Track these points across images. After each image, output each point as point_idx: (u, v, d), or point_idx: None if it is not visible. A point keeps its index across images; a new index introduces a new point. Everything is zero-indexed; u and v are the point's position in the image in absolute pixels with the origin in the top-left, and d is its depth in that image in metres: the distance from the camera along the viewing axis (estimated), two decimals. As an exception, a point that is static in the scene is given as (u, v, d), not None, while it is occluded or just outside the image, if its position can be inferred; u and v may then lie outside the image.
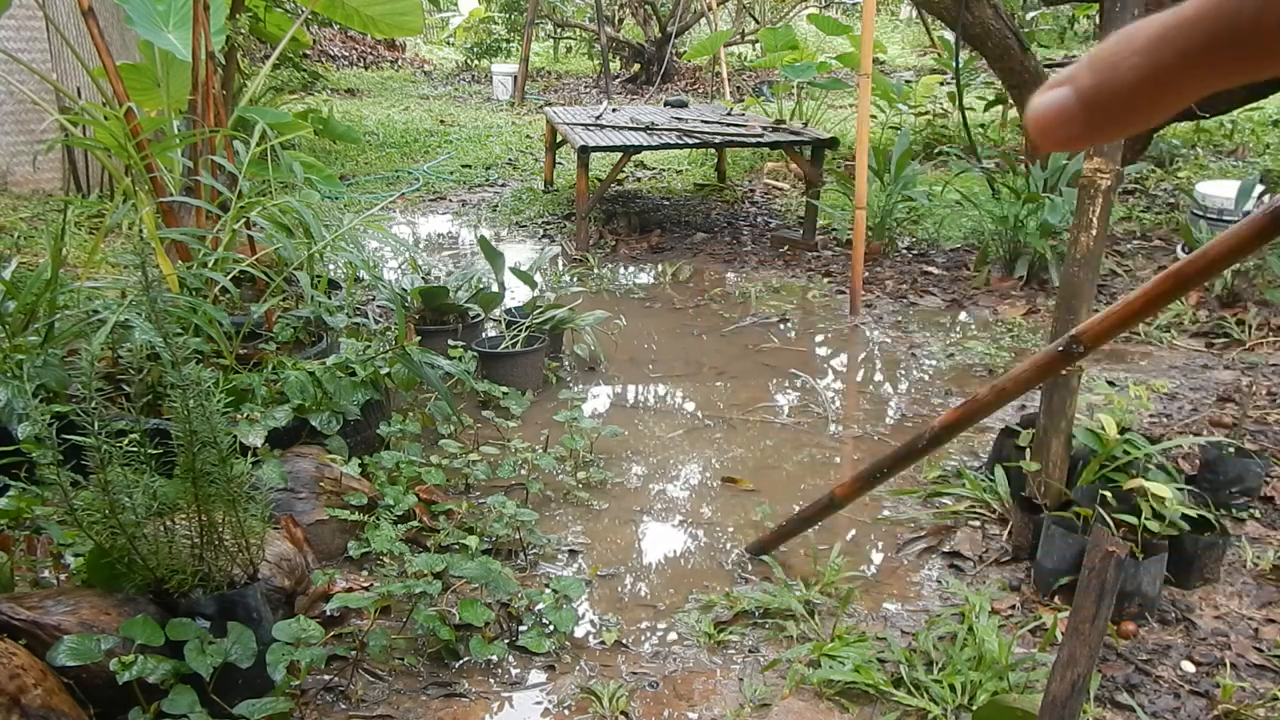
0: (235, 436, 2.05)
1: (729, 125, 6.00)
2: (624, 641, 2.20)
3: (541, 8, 12.40)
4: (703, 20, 12.72)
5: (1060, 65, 8.92)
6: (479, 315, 3.79)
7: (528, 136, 9.11)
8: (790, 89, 8.61)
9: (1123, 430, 2.61)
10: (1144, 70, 0.26)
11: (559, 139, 6.73)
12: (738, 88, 11.39)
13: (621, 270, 5.17)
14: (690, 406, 3.53)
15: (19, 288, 2.86)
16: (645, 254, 5.47)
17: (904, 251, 5.41)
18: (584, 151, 5.25)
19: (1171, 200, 6.04)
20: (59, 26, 4.94)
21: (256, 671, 1.84)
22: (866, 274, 4.81)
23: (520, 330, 3.65)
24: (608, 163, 6.44)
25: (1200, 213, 4.62)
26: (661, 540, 2.66)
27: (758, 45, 11.78)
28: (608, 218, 6.07)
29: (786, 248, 5.52)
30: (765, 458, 3.12)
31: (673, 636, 2.23)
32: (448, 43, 16.40)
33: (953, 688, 1.98)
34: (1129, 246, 5.20)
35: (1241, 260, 3.28)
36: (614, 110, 6.71)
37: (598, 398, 3.59)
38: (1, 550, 2.00)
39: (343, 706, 1.97)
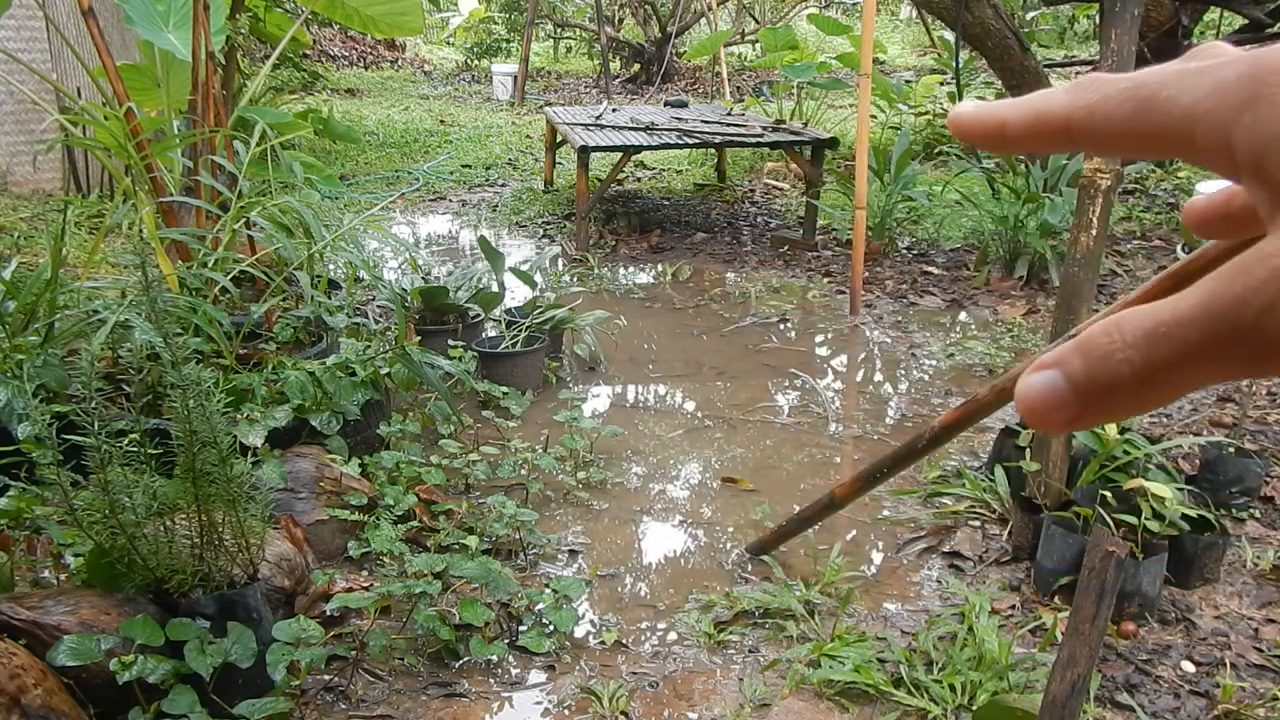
0: (235, 436, 2.05)
1: (729, 125, 6.00)
2: (624, 641, 2.20)
3: (541, 8, 12.40)
4: (703, 20, 12.72)
5: (1060, 65, 8.92)
6: (479, 315, 3.79)
7: (528, 136, 9.11)
8: (790, 89, 8.61)
9: (1123, 430, 2.61)
10: (1139, 366, 0.25)
11: (559, 139, 6.73)
12: (738, 88, 11.39)
13: (621, 270, 5.17)
14: (690, 406, 3.53)
15: (19, 288, 2.86)
16: (645, 254, 5.47)
17: (904, 251, 5.41)
18: (584, 151, 5.25)
19: (1171, 200, 6.04)
20: (59, 26, 4.94)
21: (256, 671, 1.84)
22: (866, 274, 4.81)
23: (520, 330, 3.65)
24: (608, 163, 6.44)
25: (1200, 213, 4.61)
26: (661, 540, 2.66)
27: (758, 45, 11.78)
28: (608, 218, 6.07)
29: (786, 248, 5.52)
30: (765, 458, 3.12)
31: (673, 636, 2.23)
32: (448, 43, 16.40)
33: (953, 688, 1.98)
34: (1129, 246, 5.20)
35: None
36: (614, 110, 6.72)
37: (598, 398, 3.59)
38: (1, 550, 2.00)
39: (343, 706, 1.97)
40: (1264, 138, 0.24)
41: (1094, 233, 2.32)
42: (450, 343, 3.32)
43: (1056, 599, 2.31)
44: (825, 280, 5.00)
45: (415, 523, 2.55)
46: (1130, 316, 0.26)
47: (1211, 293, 0.24)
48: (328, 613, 2.19)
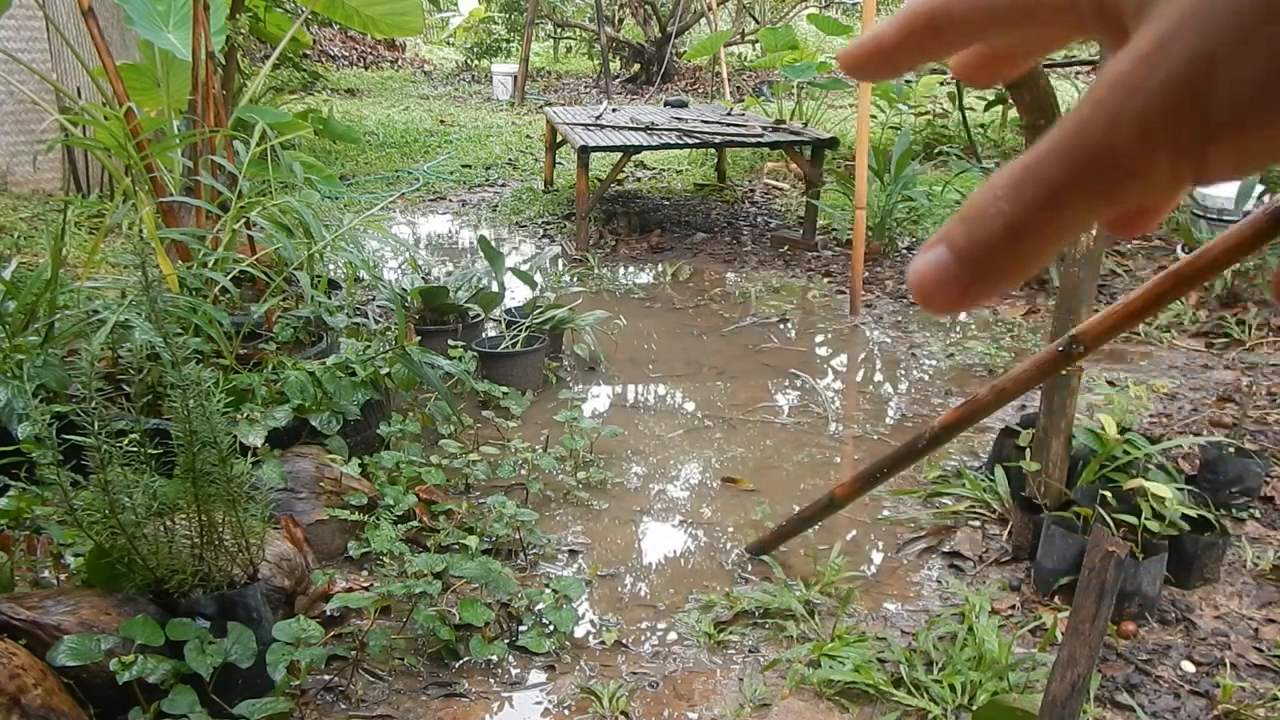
0: (235, 436, 2.05)
1: (729, 125, 6.00)
2: (624, 641, 2.20)
3: (541, 8, 12.40)
4: (703, 20, 12.72)
5: (1060, 65, 8.92)
6: (479, 315, 3.79)
7: (528, 136, 9.11)
8: (790, 89, 8.61)
9: (1123, 430, 2.61)
10: (1011, 216, 0.25)
11: (559, 139, 6.73)
12: (738, 88, 11.39)
13: (621, 270, 5.17)
14: (690, 406, 3.53)
15: (19, 288, 2.86)
16: (645, 254, 5.47)
17: (904, 251, 5.41)
18: (584, 151, 5.25)
19: (1171, 200, 6.02)
20: (59, 26, 4.94)
21: (256, 671, 1.84)
22: (866, 274, 4.81)
23: (520, 330, 3.65)
24: (608, 163, 6.44)
25: (1200, 213, 4.62)
26: (661, 540, 2.66)
27: (758, 45, 11.78)
28: (608, 218, 6.07)
29: (786, 248, 5.52)
30: (765, 458, 3.12)
31: (673, 636, 2.23)
32: (448, 43, 16.40)
33: (953, 688, 1.98)
34: (1129, 246, 5.20)
35: (1241, 260, 3.28)
36: (614, 110, 6.71)
37: (598, 398, 3.59)
38: (1, 550, 2.00)
39: (343, 706, 1.97)
40: None
41: (1094, 233, 2.32)
42: (450, 343, 3.32)
43: (1056, 599, 2.31)
44: (825, 280, 5.00)
45: (415, 523, 2.55)
46: (1001, 170, 0.26)
47: (1063, 123, 0.24)
48: (328, 613, 2.19)
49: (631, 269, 5.22)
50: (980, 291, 0.26)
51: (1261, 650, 2.16)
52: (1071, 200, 0.24)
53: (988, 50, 0.32)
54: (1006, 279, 0.27)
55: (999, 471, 2.72)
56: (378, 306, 4.24)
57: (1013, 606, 2.32)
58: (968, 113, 6.18)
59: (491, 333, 3.81)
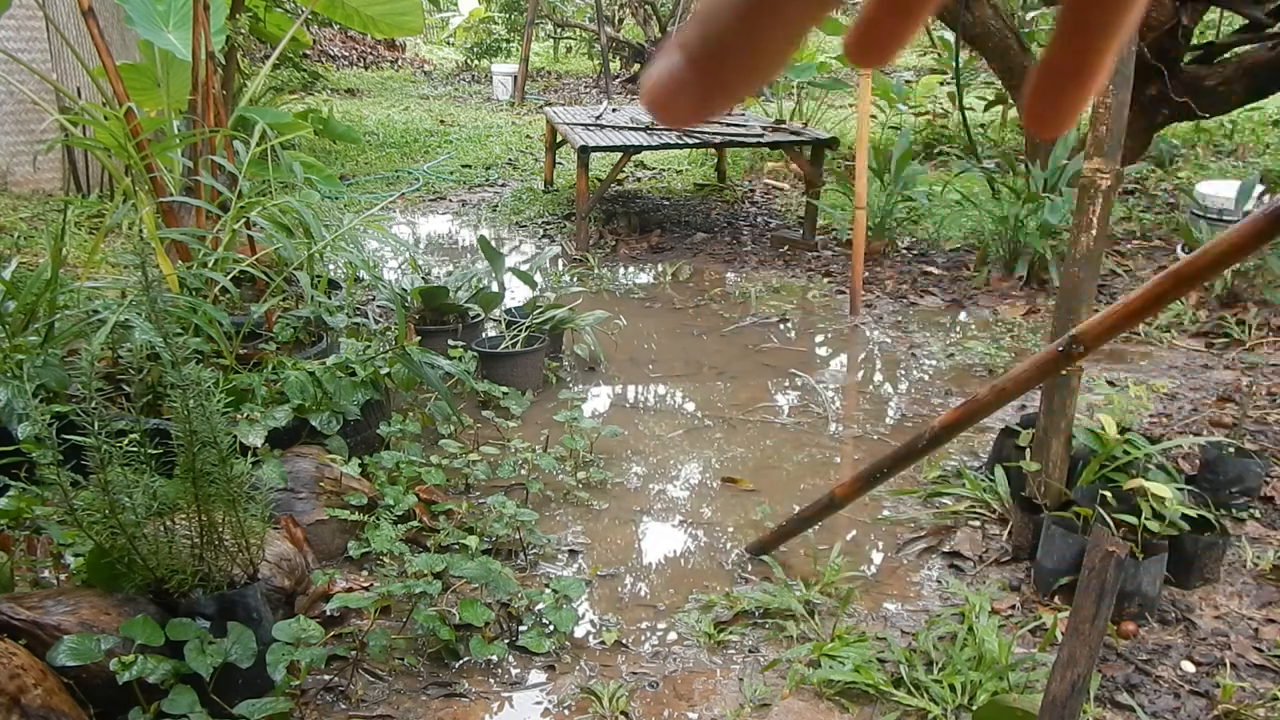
0: (235, 436, 2.05)
1: (729, 125, 6.00)
2: (624, 641, 2.20)
3: (541, 8, 12.40)
4: (703, 20, 12.70)
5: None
6: (479, 315, 3.79)
7: (528, 136, 9.11)
8: (790, 89, 8.61)
9: (1123, 430, 2.61)
10: (739, 4, 0.23)
11: (559, 139, 6.73)
12: (738, 88, 11.37)
13: (621, 270, 5.17)
14: (690, 406, 3.53)
15: (19, 288, 2.86)
16: (645, 254, 5.47)
17: (904, 251, 5.41)
18: (584, 151, 5.25)
19: (1171, 200, 6.04)
20: (59, 26, 4.94)
21: (256, 671, 1.84)
22: (866, 274, 4.81)
23: (520, 330, 3.65)
24: (608, 163, 6.44)
25: (1200, 213, 4.62)
26: (661, 540, 2.66)
27: (758, 45, 11.76)
28: (608, 218, 6.07)
29: (786, 248, 5.52)
30: (765, 458, 3.12)
31: (673, 636, 2.23)
32: (448, 43, 16.40)
33: (953, 688, 1.98)
34: (1129, 246, 5.20)
35: (1241, 260, 3.28)
36: (614, 110, 6.72)
37: (598, 398, 3.59)
38: (1, 550, 2.00)
39: (343, 706, 1.97)
40: None
41: (1094, 233, 2.32)
42: (450, 343, 3.32)
43: (1056, 599, 2.31)
44: (825, 280, 5.00)
45: (415, 523, 2.55)
46: None
47: None
48: (328, 613, 2.19)
49: (631, 269, 5.22)
50: (719, 96, 0.25)
51: (1261, 650, 2.16)
52: None
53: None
54: (743, 79, 0.25)
55: (999, 471, 2.72)
56: (378, 306, 4.24)
57: (1013, 606, 2.32)
58: (968, 113, 6.17)
59: (491, 333, 3.81)
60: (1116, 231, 5.40)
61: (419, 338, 3.36)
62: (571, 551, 2.58)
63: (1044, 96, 0.28)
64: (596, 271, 4.99)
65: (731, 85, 0.25)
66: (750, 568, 2.50)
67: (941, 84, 8.64)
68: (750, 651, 2.16)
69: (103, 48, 3.22)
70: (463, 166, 7.76)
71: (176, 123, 3.75)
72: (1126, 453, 2.50)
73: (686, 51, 0.24)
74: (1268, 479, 2.78)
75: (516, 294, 4.45)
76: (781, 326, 4.34)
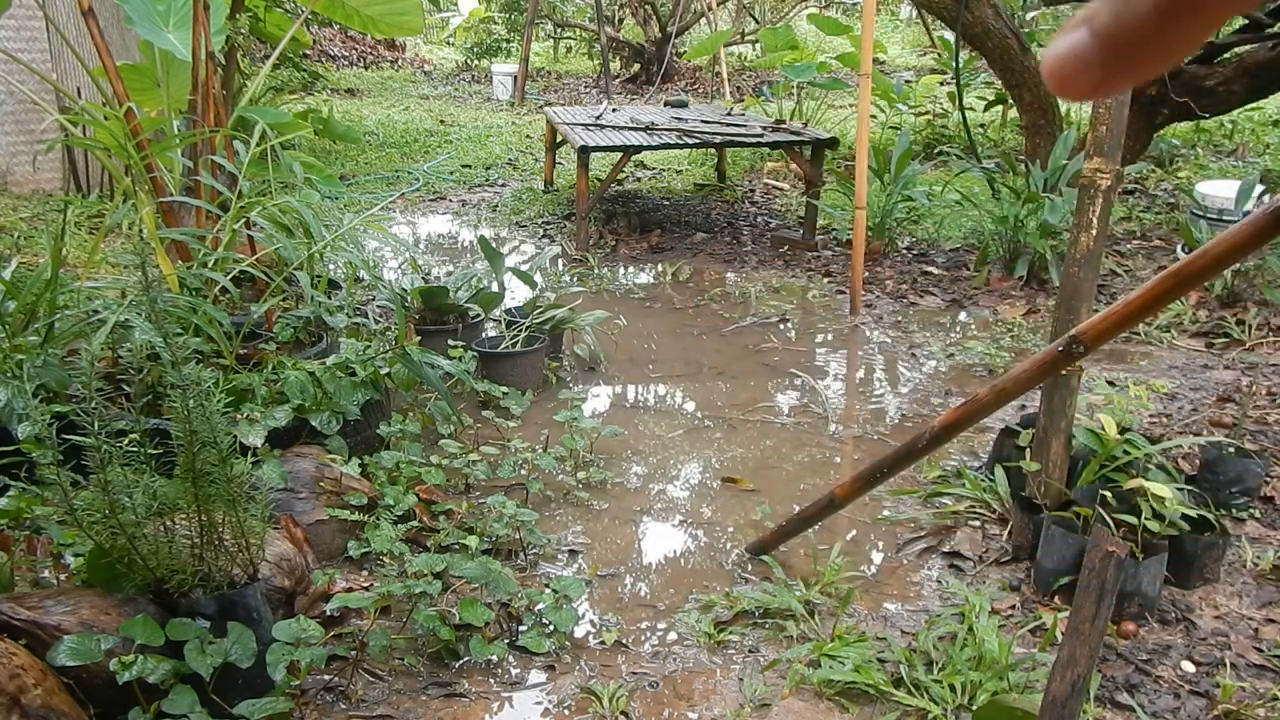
0: (235, 436, 2.05)
1: (729, 125, 6.00)
2: (624, 641, 2.20)
3: (541, 8, 12.40)
4: (703, 20, 12.72)
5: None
6: (479, 315, 3.79)
7: (528, 136, 9.11)
8: (790, 89, 8.61)
9: (1123, 430, 2.61)
10: None
11: (559, 139, 6.73)
12: (738, 88, 11.39)
13: (621, 270, 5.17)
14: (690, 406, 3.53)
15: (19, 288, 2.86)
16: (645, 254, 5.47)
17: (904, 251, 5.41)
18: (584, 151, 5.25)
19: (1171, 200, 6.04)
20: (59, 26, 4.94)
21: (256, 671, 1.84)
22: (866, 274, 4.81)
23: (520, 330, 3.65)
24: (608, 163, 6.44)
25: (1200, 213, 4.62)
26: (661, 540, 2.66)
27: (758, 45, 11.79)
28: (608, 218, 6.07)
29: (786, 248, 5.52)
30: (765, 458, 3.12)
31: (673, 636, 2.23)
32: (448, 43, 16.40)
33: (953, 688, 1.98)
34: (1129, 246, 5.20)
35: (1241, 260, 3.28)
36: (614, 110, 6.71)
37: (598, 398, 3.59)
38: (1, 550, 2.00)
39: (343, 706, 1.97)
40: None
41: (1094, 233, 2.32)
42: (450, 343, 3.32)
43: (1056, 599, 2.31)
44: (825, 280, 5.00)
45: (415, 523, 2.55)
46: None
47: None
48: (328, 613, 2.19)
49: (631, 269, 5.22)
50: (1120, 79, 0.25)
51: (1261, 650, 2.16)
52: None
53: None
54: (1147, 67, 0.25)
55: (999, 471, 2.72)
56: (378, 306, 4.24)
57: (1013, 606, 2.32)
58: (968, 113, 6.17)
59: (491, 333, 3.81)
60: (1116, 231, 5.40)
61: (419, 338, 3.36)
62: (571, 551, 2.58)
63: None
64: (596, 271, 4.99)
65: (1139, 69, 0.25)
66: (750, 568, 2.50)
67: (941, 84, 8.64)
68: (750, 651, 2.16)
69: (103, 48, 3.22)
70: (463, 166, 7.76)
71: (176, 123, 3.75)
72: (1126, 453, 2.50)
73: (1095, 31, 0.24)
74: (1268, 479, 2.78)
75: (516, 294, 4.45)
76: (781, 326, 4.34)
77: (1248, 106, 6.22)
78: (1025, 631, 2.21)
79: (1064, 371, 2.32)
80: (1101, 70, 0.25)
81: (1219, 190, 4.59)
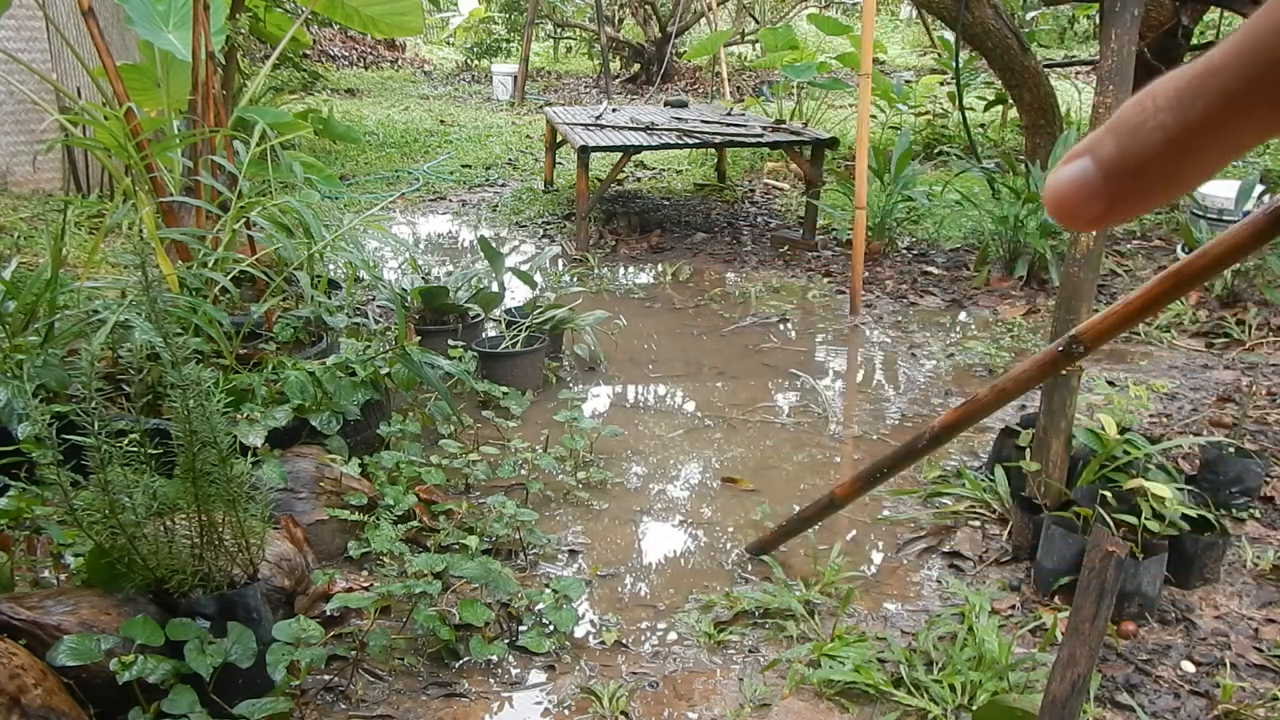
0: (235, 436, 2.05)
1: (729, 125, 6.00)
2: (624, 641, 2.20)
3: (541, 8, 12.39)
4: (703, 20, 12.72)
5: (1060, 65, 8.93)
6: (479, 315, 3.79)
7: (528, 136, 9.11)
8: (790, 89, 8.61)
9: (1123, 430, 2.61)
10: (1172, 130, 0.22)
11: (559, 139, 6.73)
12: (738, 88, 11.39)
13: (621, 270, 5.17)
14: (690, 406, 3.53)
15: (19, 288, 2.86)
16: (645, 254, 5.47)
17: (904, 251, 5.41)
18: (584, 151, 5.25)
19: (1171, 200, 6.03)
20: (59, 26, 4.94)
21: (256, 671, 1.84)
22: (866, 274, 4.81)
23: (520, 330, 3.65)
24: (608, 163, 6.44)
25: (1200, 213, 4.62)
26: (661, 540, 2.66)
27: (758, 45, 11.78)
28: (608, 218, 6.07)
29: (786, 248, 5.52)
30: (765, 458, 3.12)
31: (673, 636, 2.23)
32: (448, 43, 16.40)
33: (953, 688, 1.98)
34: (1129, 246, 5.20)
35: (1241, 260, 3.28)
36: (614, 110, 6.71)
37: (598, 398, 3.59)
38: (1, 550, 2.00)
39: (343, 706, 1.97)
40: None
41: (1094, 233, 2.32)
42: (450, 343, 3.32)
43: (1056, 599, 2.31)
44: (825, 280, 5.00)
45: (415, 523, 2.55)
46: (1162, 80, 0.23)
47: (1248, 33, 0.22)
48: (328, 613, 2.19)
49: (631, 269, 5.22)
50: (1126, 210, 0.24)
51: (1261, 650, 2.16)
52: (1241, 121, 0.22)
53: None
54: (1152, 199, 0.24)
55: (999, 471, 2.72)
56: (378, 306, 4.24)
57: (1013, 606, 2.32)
58: (968, 113, 6.17)
59: (491, 333, 3.81)
60: (1116, 231, 5.40)
61: (419, 338, 3.36)
62: (571, 551, 2.58)
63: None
64: (596, 271, 4.99)
65: (1147, 201, 0.24)
66: (750, 568, 2.50)
67: (941, 84, 8.64)
68: (750, 651, 2.16)
69: (103, 48, 3.22)
70: (463, 166, 7.76)
71: (176, 123, 3.75)
72: (1126, 453, 2.50)
73: (1100, 163, 0.24)
74: (1268, 479, 2.78)
75: (516, 294, 4.45)
76: (781, 326, 4.34)
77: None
78: (1025, 631, 2.21)
79: (1064, 371, 2.32)
80: (1107, 201, 0.24)
81: (1219, 190, 4.59)
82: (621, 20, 14.15)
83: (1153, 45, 4.88)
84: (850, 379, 3.89)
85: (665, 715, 1.98)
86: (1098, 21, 9.09)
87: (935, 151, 7.48)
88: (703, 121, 6.15)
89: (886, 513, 2.77)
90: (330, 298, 3.39)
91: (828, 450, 3.17)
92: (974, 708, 1.92)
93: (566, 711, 1.98)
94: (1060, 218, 0.25)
